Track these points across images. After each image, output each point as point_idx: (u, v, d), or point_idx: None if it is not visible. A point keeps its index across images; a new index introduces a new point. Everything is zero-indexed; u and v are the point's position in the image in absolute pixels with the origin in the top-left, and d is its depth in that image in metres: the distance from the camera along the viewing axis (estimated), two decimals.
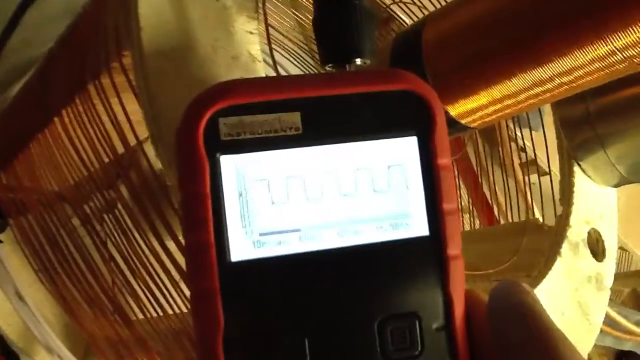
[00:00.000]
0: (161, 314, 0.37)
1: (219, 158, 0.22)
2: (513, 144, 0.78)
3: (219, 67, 0.27)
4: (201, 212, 0.22)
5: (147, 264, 0.35)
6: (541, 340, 0.21)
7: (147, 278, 0.36)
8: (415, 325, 0.23)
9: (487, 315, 0.23)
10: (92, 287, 0.43)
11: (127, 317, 0.41)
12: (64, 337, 0.59)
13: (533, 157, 0.69)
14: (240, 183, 0.23)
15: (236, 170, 0.23)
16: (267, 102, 0.23)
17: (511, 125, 0.76)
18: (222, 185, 0.22)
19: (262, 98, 0.23)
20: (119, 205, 0.37)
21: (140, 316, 0.40)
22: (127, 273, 0.39)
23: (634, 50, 0.28)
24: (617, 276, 0.52)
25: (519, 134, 0.74)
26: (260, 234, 0.23)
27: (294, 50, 0.63)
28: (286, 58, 0.63)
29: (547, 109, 0.59)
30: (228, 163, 0.22)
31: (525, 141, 0.73)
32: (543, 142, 0.59)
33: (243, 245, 0.22)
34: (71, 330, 0.60)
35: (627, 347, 1.43)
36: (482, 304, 0.23)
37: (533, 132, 0.67)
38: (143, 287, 0.37)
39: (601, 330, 0.49)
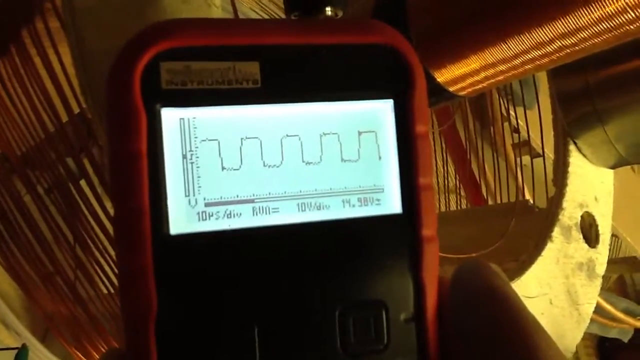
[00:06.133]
0: (112, 291, 0.34)
1: (159, 110, 0.19)
2: (505, 124, 0.75)
3: (164, 10, 0.23)
4: (135, 174, 0.18)
5: (97, 240, 0.32)
6: (512, 327, 0.18)
7: (98, 254, 0.32)
8: (382, 316, 0.20)
9: (450, 298, 0.20)
10: (44, 262, 0.40)
11: (79, 294, 0.37)
12: (24, 310, 0.56)
13: (526, 137, 0.66)
14: (185, 142, 0.19)
15: (180, 127, 0.19)
16: (221, 47, 0.19)
17: (504, 104, 0.73)
18: (162, 144, 0.19)
19: (215, 41, 0.19)
20: (67, 177, 0.33)
21: (93, 294, 0.37)
22: (78, 249, 0.35)
23: None
24: (607, 262, 0.49)
25: (512, 112, 0.71)
26: (207, 204, 0.19)
27: (274, 12, 0.59)
28: (262, 17, 0.59)
29: (543, 85, 0.56)
30: (170, 117, 0.19)
31: (519, 120, 0.70)
32: (537, 123, 0.56)
33: (185, 217, 0.19)
34: (32, 305, 0.57)
35: (612, 334, 1.44)
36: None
37: (527, 112, 0.64)
38: (94, 264, 0.34)
39: None
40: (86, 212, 0.33)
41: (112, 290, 0.35)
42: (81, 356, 0.46)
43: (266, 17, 0.59)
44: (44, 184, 0.37)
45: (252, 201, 0.20)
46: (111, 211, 0.31)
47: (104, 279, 0.35)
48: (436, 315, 0.20)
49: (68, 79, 0.25)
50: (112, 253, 0.32)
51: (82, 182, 0.33)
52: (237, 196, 0.20)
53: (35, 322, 0.56)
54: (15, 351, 0.53)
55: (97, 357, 0.44)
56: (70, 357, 0.50)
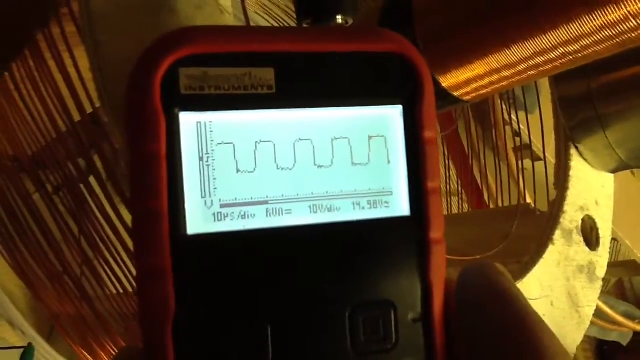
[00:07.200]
0: (121, 291, 0.34)
1: (178, 114, 0.19)
2: (507, 128, 0.76)
3: (179, 16, 0.23)
4: (154, 176, 0.19)
5: (106, 239, 0.32)
6: (517, 325, 0.19)
7: (106, 253, 0.33)
8: (390, 315, 0.21)
9: (456, 298, 0.21)
10: (52, 262, 0.40)
11: (87, 294, 0.38)
12: (29, 310, 0.56)
13: (527, 141, 0.67)
14: (202, 145, 0.20)
15: (197, 131, 0.20)
16: (237, 54, 0.20)
17: (506, 108, 0.73)
18: (180, 146, 0.19)
19: (232, 49, 0.20)
20: (78, 177, 0.34)
21: (100, 293, 0.38)
22: (87, 248, 0.36)
23: None
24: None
25: (513, 117, 0.72)
26: (222, 205, 0.20)
27: (278, 16, 0.60)
28: (267, 21, 0.59)
29: (545, 90, 0.56)
30: (188, 121, 0.19)
31: (520, 125, 0.71)
32: (538, 127, 0.57)
33: (201, 217, 0.20)
34: (38, 305, 0.57)
35: (612, 337, 1.44)
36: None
37: (528, 116, 0.64)
38: (103, 263, 0.34)
39: None
40: (95, 210, 0.34)
41: (121, 290, 0.35)
42: (87, 355, 0.47)
43: (272, 21, 0.60)
44: (53, 182, 0.37)
45: (265, 203, 0.20)
46: (121, 210, 0.31)
47: (113, 278, 0.35)
48: (443, 315, 0.21)
49: (83, 83, 0.26)
50: (122, 252, 0.33)
51: (92, 181, 0.33)
52: (252, 198, 0.20)
53: (40, 321, 0.57)
54: (21, 350, 0.53)
55: (104, 356, 0.44)
56: (76, 356, 0.50)
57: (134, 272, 0.35)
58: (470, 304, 0.20)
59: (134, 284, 0.35)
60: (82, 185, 0.34)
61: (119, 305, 0.37)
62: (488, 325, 0.19)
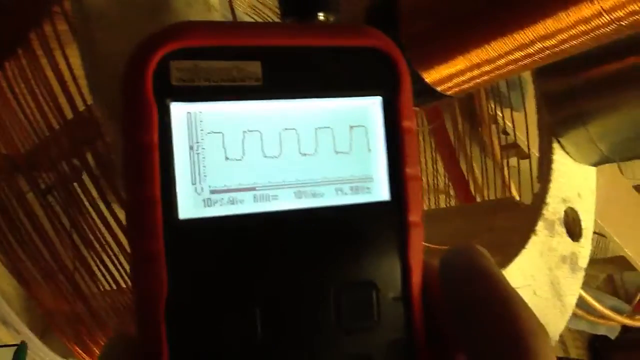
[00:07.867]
0: (115, 287, 0.35)
1: (169, 105, 0.20)
2: (494, 126, 0.77)
3: (170, 14, 0.24)
4: (147, 165, 0.19)
5: (100, 236, 0.33)
6: (496, 300, 0.20)
7: (100, 250, 0.33)
8: (372, 295, 0.21)
9: (439, 278, 0.21)
10: (46, 260, 0.41)
11: (82, 290, 0.38)
12: (23, 310, 0.57)
13: (514, 139, 0.68)
14: (192, 134, 0.20)
15: (188, 120, 0.20)
16: (226, 48, 0.21)
17: (492, 106, 0.74)
18: (171, 135, 0.20)
19: (220, 42, 0.21)
20: (71, 175, 0.34)
21: (95, 290, 0.38)
22: (80, 245, 0.36)
23: (621, 11, 0.26)
24: (594, 262, 0.51)
25: (499, 113, 0.73)
26: (212, 192, 0.21)
27: (268, 17, 0.61)
28: (252, 18, 0.60)
29: (530, 86, 0.57)
30: (179, 111, 0.20)
31: (506, 121, 0.72)
32: (524, 124, 0.58)
33: (192, 203, 0.20)
34: (31, 304, 0.57)
35: (601, 331, 1.46)
36: (437, 274, 0.22)
37: (514, 113, 0.66)
38: (96, 260, 0.35)
39: (576, 315, 0.48)
40: (88, 206, 0.34)
41: (114, 286, 0.36)
42: (82, 353, 0.47)
43: (260, 20, 0.61)
44: (46, 180, 0.38)
45: (253, 189, 0.21)
46: (113, 206, 0.32)
47: (106, 273, 0.36)
48: (421, 293, 0.22)
49: (75, 81, 0.26)
50: (115, 248, 0.33)
51: (85, 178, 0.34)
52: (240, 184, 0.21)
53: (34, 320, 0.57)
54: (14, 348, 0.53)
55: (98, 352, 0.45)
56: (70, 354, 0.50)
57: (127, 267, 0.36)
58: (451, 282, 0.21)
59: (127, 279, 0.35)
60: (75, 183, 0.35)
61: (113, 301, 0.37)
62: (470, 301, 0.20)
